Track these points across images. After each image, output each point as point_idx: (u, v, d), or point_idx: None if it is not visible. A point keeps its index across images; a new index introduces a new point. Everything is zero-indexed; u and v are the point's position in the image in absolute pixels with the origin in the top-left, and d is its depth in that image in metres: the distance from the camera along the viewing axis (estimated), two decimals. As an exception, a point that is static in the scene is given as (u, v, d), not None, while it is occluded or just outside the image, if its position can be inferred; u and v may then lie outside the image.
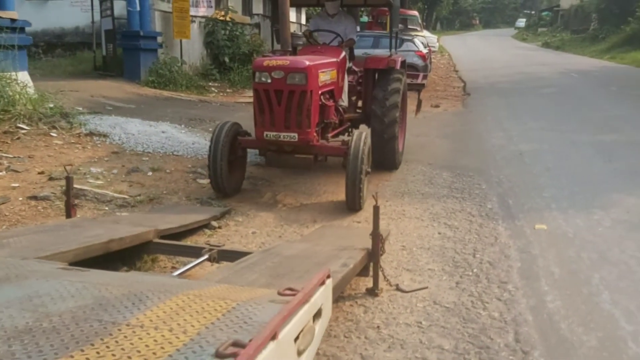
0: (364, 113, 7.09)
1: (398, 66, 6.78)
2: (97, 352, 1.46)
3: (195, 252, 3.79)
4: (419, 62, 16.04)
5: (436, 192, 6.14)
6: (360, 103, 7.30)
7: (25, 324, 1.65)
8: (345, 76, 6.62)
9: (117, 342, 1.53)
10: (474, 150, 8.43)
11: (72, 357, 1.43)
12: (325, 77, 5.64)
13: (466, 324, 3.33)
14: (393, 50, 7.18)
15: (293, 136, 5.28)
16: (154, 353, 1.47)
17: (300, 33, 5.71)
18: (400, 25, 23.07)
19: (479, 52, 34.65)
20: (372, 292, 3.67)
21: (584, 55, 33.32)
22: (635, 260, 4.27)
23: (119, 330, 1.62)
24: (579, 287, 3.84)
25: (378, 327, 3.27)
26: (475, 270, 4.12)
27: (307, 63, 5.22)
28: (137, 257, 3.99)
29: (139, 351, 1.48)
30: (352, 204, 5.32)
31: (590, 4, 44.05)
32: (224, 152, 5.48)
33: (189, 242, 4.43)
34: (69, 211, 4.15)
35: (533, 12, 77.94)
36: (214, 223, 4.92)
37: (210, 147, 5.56)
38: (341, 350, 3.03)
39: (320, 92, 5.50)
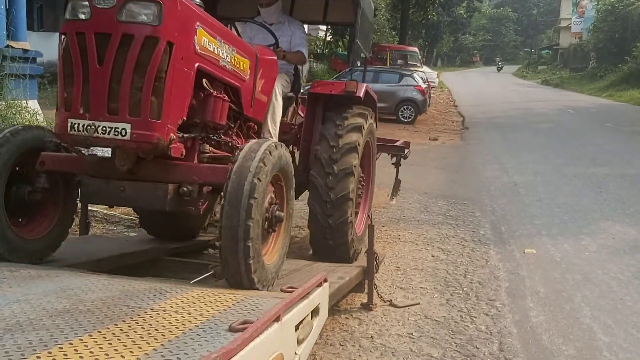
0: (301, 167, 4.34)
1: (361, 94, 4.29)
2: (129, 326, 1.74)
3: (201, 268, 4.04)
4: (417, 96, 16.42)
5: (431, 219, 6.41)
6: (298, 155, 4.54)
7: (63, 307, 1.92)
8: (279, 98, 4.04)
9: (144, 320, 1.81)
10: (469, 181, 8.73)
11: (108, 328, 1.70)
12: (220, 50, 3.09)
13: (454, 335, 3.57)
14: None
15: (122, 129, 2.60)
16: (177, 327, 1.74)
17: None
18: (400, 61, 23.77)
19: (478, 88, 35.32)
20: (367, 306, 3.92)
21: (582, 93, 33.94)
22: (616, 281, 4.53)
23: (145, 312, 1.89)
24: (561, 304, 4.10)
25: (371, 337, 3.52)
26: (465, 289, 4.37)
27: None
28: (146, 275, 4.24)
29: (164, 326, 1.75)
30: (233, 280, 2.76)
31: (589, 43, 44.98)
32: None
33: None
34: (83, 228, 4.43)
35: (533, 50, 79.41)
36: (217, 243, 5.16)
37: None
38: (337, 356, 3.27)
39: (198, 64, 2.87)
